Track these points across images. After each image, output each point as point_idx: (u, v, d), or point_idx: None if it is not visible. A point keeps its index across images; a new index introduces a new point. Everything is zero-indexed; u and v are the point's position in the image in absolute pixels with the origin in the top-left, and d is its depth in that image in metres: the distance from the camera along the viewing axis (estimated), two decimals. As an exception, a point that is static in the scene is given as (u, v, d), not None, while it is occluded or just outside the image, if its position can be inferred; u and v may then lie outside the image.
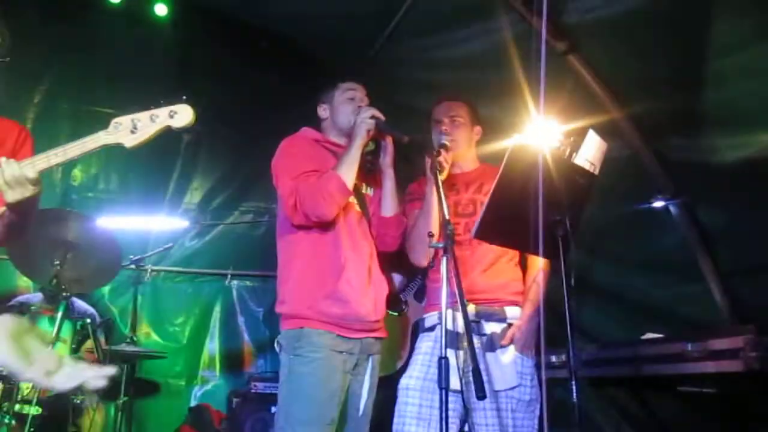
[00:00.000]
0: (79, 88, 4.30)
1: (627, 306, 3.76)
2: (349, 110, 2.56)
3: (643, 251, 3.56)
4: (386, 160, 2.57)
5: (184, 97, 1.85)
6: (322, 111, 2.64)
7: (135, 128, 1.78)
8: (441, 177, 2.34)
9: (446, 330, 1.99)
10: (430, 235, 2.21)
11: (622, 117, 2.99)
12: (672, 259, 3.44)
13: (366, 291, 2.40)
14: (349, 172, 2.38)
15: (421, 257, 2.54)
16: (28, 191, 1.76)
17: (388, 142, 2.57)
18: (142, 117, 1.79)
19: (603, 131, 2.47)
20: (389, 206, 2.57)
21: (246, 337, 5.08)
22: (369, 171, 2.63)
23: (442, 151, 2.44)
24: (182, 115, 1.80)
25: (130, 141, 1.78)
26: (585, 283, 3.77)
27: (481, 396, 1.81)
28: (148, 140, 1.80)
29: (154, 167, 4.63)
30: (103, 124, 1.82)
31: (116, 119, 1.79)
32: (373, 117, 2.43)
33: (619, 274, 3.74)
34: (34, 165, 1.74)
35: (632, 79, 2.98)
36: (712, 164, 2.99)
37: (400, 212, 2.60)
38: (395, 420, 2.47)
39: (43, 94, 4.23)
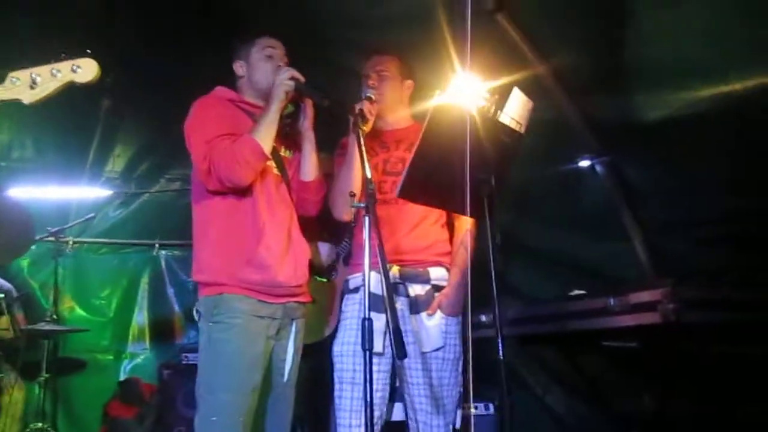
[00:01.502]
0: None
1: (556, 266, 3.83)
2: (268, 69, 2.45)
3: (570, 211, 3.61)
4: (305, 124, 2.49)
5: (89, 51, 1.73)
6: (239, 68, 2.51)
7: (35, 83, 1.67)
8: (365, 128, 2.30)
9: (369, 292, 1.96)
10: (352, 195, 2.16)
11: (546, 76, 2.99)
12: (598, 217, 3.50)
13: (285, 256, 2.33)
14: (266, 137, 2.28)
15: (342, 212, 2.51)
16: None
17: (308, 105, 2.48)
18: (42, 72, 1.68)
19: (528, 91, 2.46)
20: (309, 170, 2.49)
21: (176, 307, 4.96)
22: (288, 134, 2.55)
23: (366, 102, 2.39)
24: (86, 69, 1.70)
25: (28, 97, 1.66)
26: (514, 244, 3.82)
27: (400, 356, 1.80)
28: (49, 96, 1.69)
29: (72, 134, 4.37)
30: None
31: (13, 73, 1.67)
32: (292, 78, 2.33)
33: (548, 234, 3.79)
34: None
35: (556, 37, 2.98)
36: (635, 123, 3.04)
37: (321, 176, 2.54)
38: (335, 386, 2.47)
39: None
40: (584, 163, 3.28)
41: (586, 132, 3.16)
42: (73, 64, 1.69)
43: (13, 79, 1.67)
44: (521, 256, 3.77)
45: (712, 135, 2.79)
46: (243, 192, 2.31)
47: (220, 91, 2.52)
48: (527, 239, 3.77)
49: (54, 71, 1.68)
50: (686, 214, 3.15)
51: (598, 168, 3.25)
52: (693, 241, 3.18)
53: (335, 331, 2.61)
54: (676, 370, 2.97)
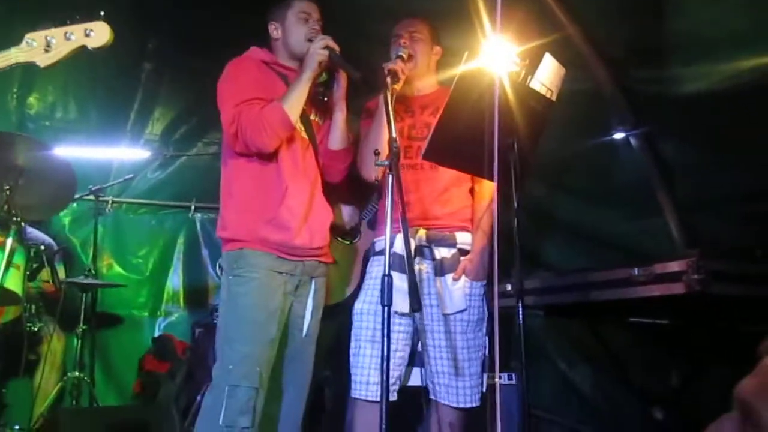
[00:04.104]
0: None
1: (589, 240, 3.79)
2: (302, 32, 2.47)
3: (604, 185, 3.57)
4: (338, 93, 2.50)
5: (102, 13, 1.75)
6: (273, 30, 2.53)
7: (49, 46, 1.70)
8: (396, 87, 2.30)
9: (390, 250, 1.98)
10: (376, 153, 2.18)
11: (580, 44, 2.94)
12: (632, 192, 3.45)
13: (306, 219, 2.37)
14: (295, 106, 2.32)
15: (371, 171, 2.50)
16: None
17: (342, 75, 2.48)
18: (57, 34, 1.71)
19: (562, 60, 2.42)
20: (338, 139, 2.51)
21: (210, 269, 5.05)
22: (320, 101, 2.57)
23: (399, 61, 2.38)
24: (99, 34, 1.71)
25: (43, 60, 1.71)
26: (548, 218, 3.79)
27: (415, 308, 1.82)
28: (62, 60, 1.72)
29: (114, 96, 4.46)
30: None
31: (29, 35, 1.71)
32: (326, 47, 2.34)
33: (581, 207, 3.75)
34: None
35: (593, 7, 2.92)
36: (672, 95, 2.97)
37: (349, 145, 2.55)
38: (352, 344, 2.49)
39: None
40: (619, 136, 3.23)
41: (621, 103, 3.11)
42: (87, 28, 1.71)
43: (30, 41, 1.71)
44: (554, 230, 3.74)
45: (751, 108, 2.72)
46: (269, 154, 2.35)
47: (254, 51, 2.54)
48: (560, 213, 3.74)
49: (68, 34, 1.71)
50: (721, 190, 3.09)
51: (633, 141, 3.19)
52: (728, 217, 3.12)
53: (357, 291, 2.64)
54: (703, 347, 2.94)
